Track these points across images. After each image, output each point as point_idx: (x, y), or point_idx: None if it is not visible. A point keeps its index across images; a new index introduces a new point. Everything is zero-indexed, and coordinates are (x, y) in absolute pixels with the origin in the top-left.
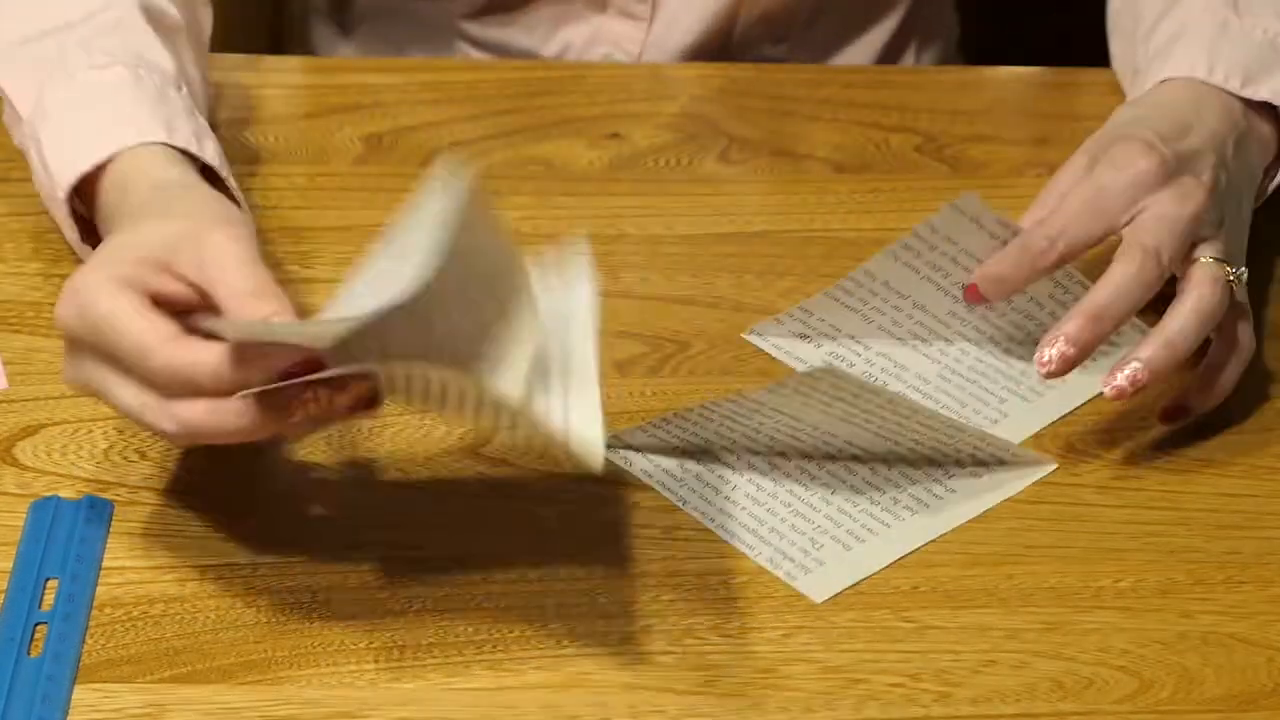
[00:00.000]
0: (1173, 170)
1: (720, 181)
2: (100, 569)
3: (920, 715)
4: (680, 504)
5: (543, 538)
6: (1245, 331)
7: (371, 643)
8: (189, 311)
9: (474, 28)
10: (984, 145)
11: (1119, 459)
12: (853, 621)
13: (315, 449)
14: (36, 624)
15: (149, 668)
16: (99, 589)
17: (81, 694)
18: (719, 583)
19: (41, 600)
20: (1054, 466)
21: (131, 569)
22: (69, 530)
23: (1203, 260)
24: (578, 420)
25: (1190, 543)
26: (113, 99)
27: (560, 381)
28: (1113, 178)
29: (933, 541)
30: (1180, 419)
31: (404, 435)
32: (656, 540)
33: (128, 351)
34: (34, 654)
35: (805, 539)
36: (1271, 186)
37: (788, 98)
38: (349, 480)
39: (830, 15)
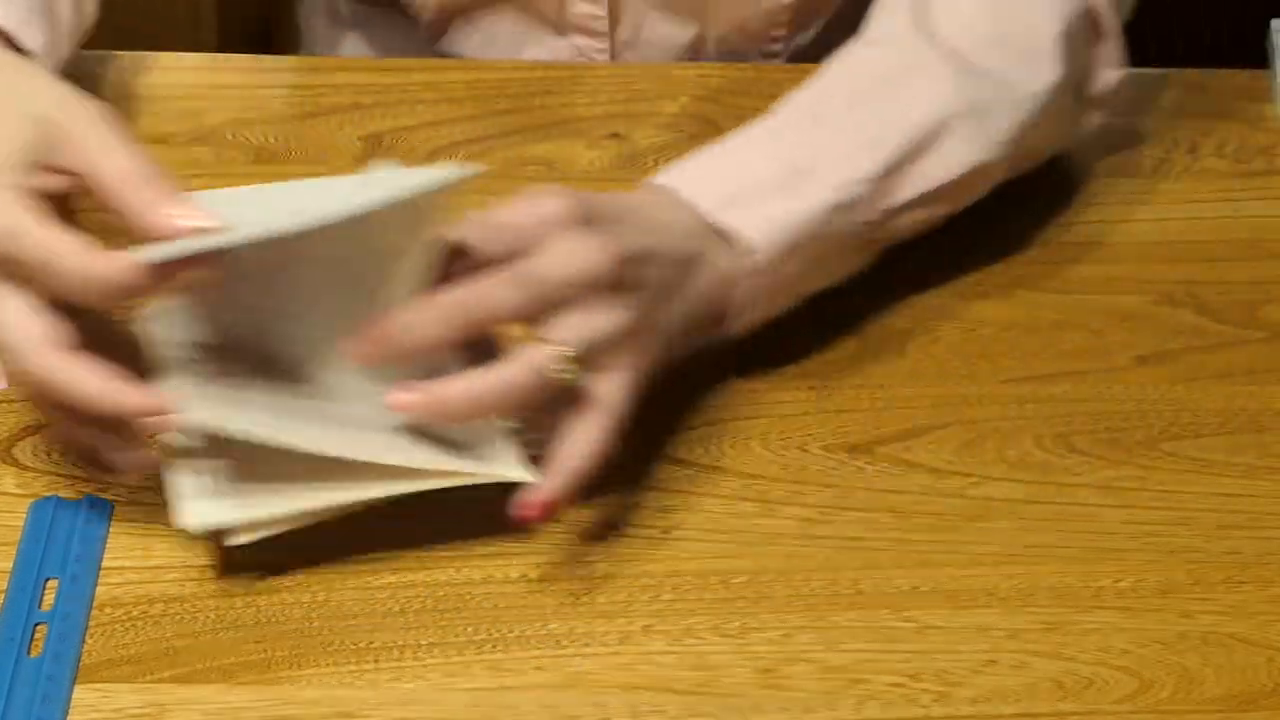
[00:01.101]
0: (582, 218)
1: None
2: (100, 569)
3: (920, 715)
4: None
5: (542, 538)
6: (589, 431)
7: (371, 643)
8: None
9: (441, 44)
10: None
11: (1119, 459)
12: (853, 621)
13: None
14: (36, 624)
15: (149, 668)
16: (99, 589)
17: (81, 694)
18: (719, 583)
19: (41, 600)
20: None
21: (131, 569)
22: (69, 530)
23: (542, 339)
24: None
25: (1190, 543)
26: None
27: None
28: (521, 213)
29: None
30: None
31: None
32: (656, 540)
33: (33, 261)
34: (34, 654)
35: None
36: (735, 327)
37: None
38: None
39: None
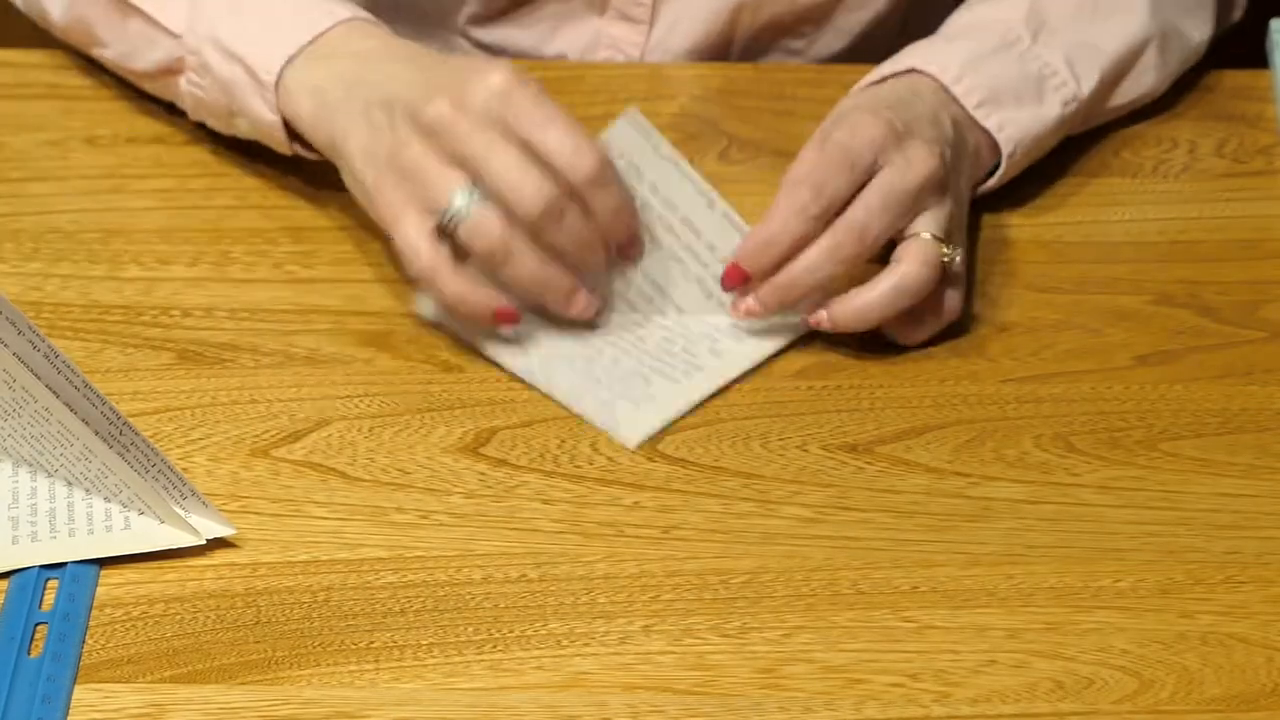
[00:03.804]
0: (901, 133)
1: (720, 181)
2: (100, 569)
3: (920, 715)
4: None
5: (543, 538)
6: (953, 299)
7: (371, 643)
8: None
9: (474, 30)
10: None
11: (1119, 459)
12: (853, 621)
13: (315, 447)
14: (36, 624)
15: (149, 668)
16: (99, 589)
17: (81, 694)
18: (719, 583)
19: (41, 600)
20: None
21: (131, 569)
22: None
23: (920, 236)
24: None
25: (1190, 543)
26: None
27: None
28: (847, 138)
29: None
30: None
31: (404, 435)
32: (656, 540)
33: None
34: (34, 654)
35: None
36: (977, 191)
37: (788, 98)
38: (349, 480)
39: (835, 26)
